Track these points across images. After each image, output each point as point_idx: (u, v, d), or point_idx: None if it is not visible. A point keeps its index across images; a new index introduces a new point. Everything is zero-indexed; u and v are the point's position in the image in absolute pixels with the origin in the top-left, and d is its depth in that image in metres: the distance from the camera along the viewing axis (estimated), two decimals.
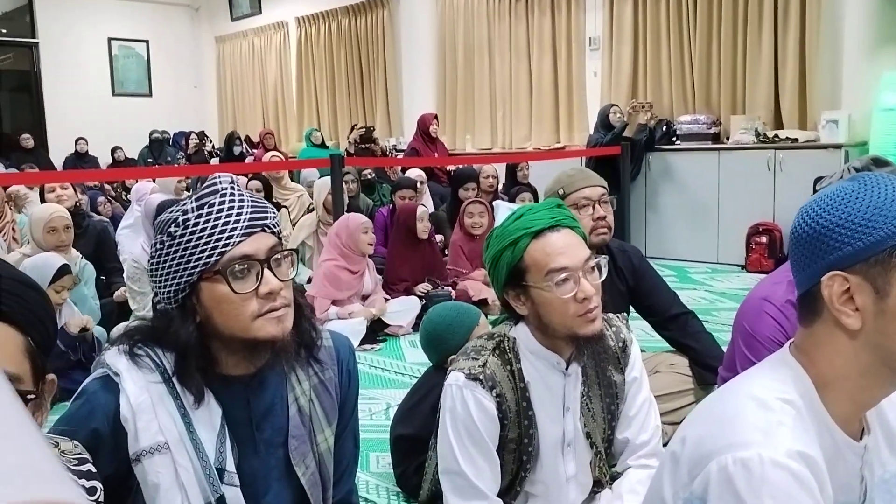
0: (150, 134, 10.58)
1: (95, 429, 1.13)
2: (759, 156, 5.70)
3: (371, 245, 4.21)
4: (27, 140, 9.63)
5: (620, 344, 1.70)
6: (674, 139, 6.31)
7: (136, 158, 10.20)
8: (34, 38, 10.43)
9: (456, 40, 8.28)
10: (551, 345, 1.59)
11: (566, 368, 1.61)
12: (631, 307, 2.64)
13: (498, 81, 7.98)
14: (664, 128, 6.33)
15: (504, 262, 1.56)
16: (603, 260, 1.58)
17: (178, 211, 1.17)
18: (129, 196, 6.37)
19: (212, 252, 1.13)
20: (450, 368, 1.65)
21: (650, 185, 6.37)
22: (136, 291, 3.91)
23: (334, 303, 4.13)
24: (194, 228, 1.14)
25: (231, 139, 9.98)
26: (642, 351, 1.87)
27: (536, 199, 5.07)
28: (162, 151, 10.22)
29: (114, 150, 10.03)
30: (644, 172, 6.36)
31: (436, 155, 6.94)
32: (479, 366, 1.59)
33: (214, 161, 9.53)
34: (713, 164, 6.00)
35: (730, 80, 6.18)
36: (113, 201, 6.81)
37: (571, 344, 1.57)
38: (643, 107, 6.34)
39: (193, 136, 10.33)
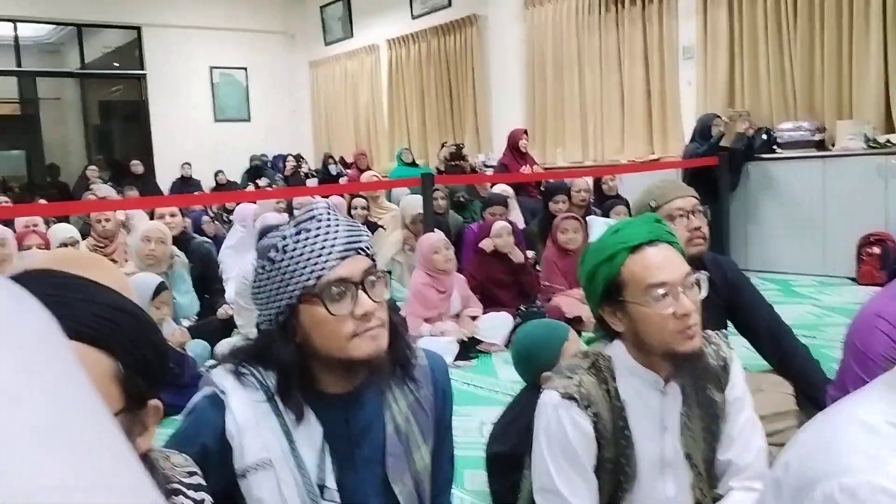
0: (251, 159, 11.00)
1: (204, 444, 1.19)
2: (869, 162, 5.42)
3: (448, 263, 4.21)
4: (137, 166, 10.16)
5: (721, 363, 1.64)
6: (774, 148, 6.08)
7: (237, 181, 10.61)
8: (142, 69, 11.02)
9: (545, 54, 8.25)
10: (648, 362, 1.56)
11: (664, 387, 1.57)
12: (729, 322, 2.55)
13: (588, 94, 7.90)
14: (764, 136, 6.11)
15: (601, 277, 1.53)
16: (703, 276, 1.53)
17: (277, 237, 1.22)
18: (230, 217, 6.62)
19: (309, 276, 1.18)
20: (544, 387, 1.63)
21: (750, 196, 6.15)
22: (243, 307, 4.04)
23: (427, 321, 4.16)
24: (293, 253, 1.19)
25: (326, 160, 10.27)
26: (745, 369, 1.80)
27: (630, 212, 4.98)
28: (261, 174, 10.60)
29: (216, 174, 10.47)
30: (744, 183, 6.16)
31: (526, 169, 6.92)
32: (573, 384, 1.56)
33: (311, 182, 9.81)
34: (818, 172, 5.75)
35: (835, 83, 5.90)
36: (216, 221, 7.08)
37: (669, 362, 1.53)
38: (741, 115, 6.15)
39: (290, 158, 10.67)
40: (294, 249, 1.19)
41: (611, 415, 1.56)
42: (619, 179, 6.24)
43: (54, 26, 11.09)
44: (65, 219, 5.86)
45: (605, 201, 5.84)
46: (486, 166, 8.26)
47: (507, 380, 3.65)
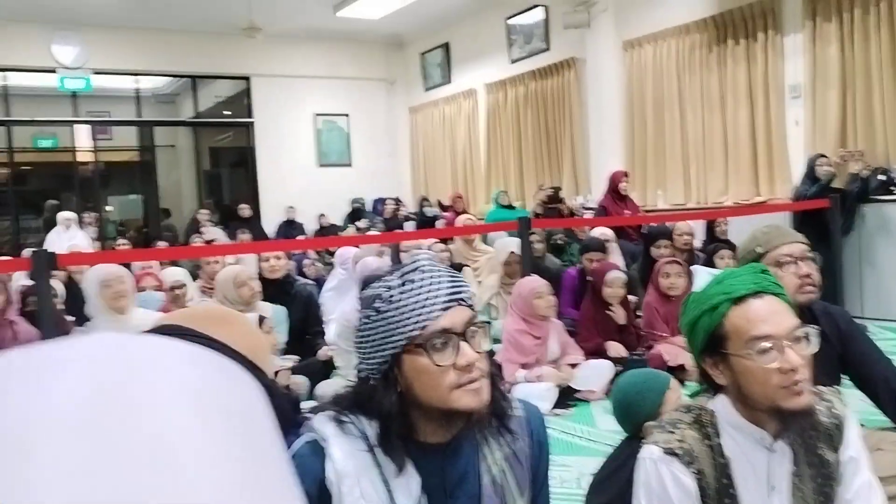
0: (351, 202, 11.29)
1: (305, 491, 1.21)
2: None
3: (550, 308, 4.15)
4: (244, 210, 10.60)
5: (834, 420, 1.55)
6: (892, 189, 5.78)
7: (338, 224, 10.91)
8: (250, 117, 11.55)
9: (645, 95, 8.17)
10: (754, 418, 1.49)
11: (771, 444, 1.50)
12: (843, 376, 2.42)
13: (690, 134, 7.75)
14: (880, 177, 5.82)
15: (702, 327, 1.49)
16: (813, 330, 1.46)
17: (382, 287, 1.24)
18: (332, 259, 6.79)
19: (414, 326, 1.19)
20: (644, 441, 1.59)
21: (865, 240, 5.85)
22: (344, 350, 4.11)
23: (524, 366, 4.11)
24: (398, 304, 1.21)
25: (422, 203, 10.44)
26: (862, 426, 1.70)
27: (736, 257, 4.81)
28: (361, 216, 10.87)
29: (319, 217, 10.79)
30: (858, 226, 5.86)
31: (626, 213, 6.82)
32: (675, 440, 1.51)
33: (409, 225, 9.98)
34: None
35: None
36: (317, 264, 7.28)
37: (776, 418, 1.46)
38: (853, 155, 5.88)
39: (390, 201, 10.89)
40: (399, 300, 1.21)
41: (714, 472, 1.49)
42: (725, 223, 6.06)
43: (171, 78, 11.80)
44: (176, 262, 6.16)
45: (708, 245, 5.68)
46: (585, 209, 8.19)
47: (606, 430, 3.56)
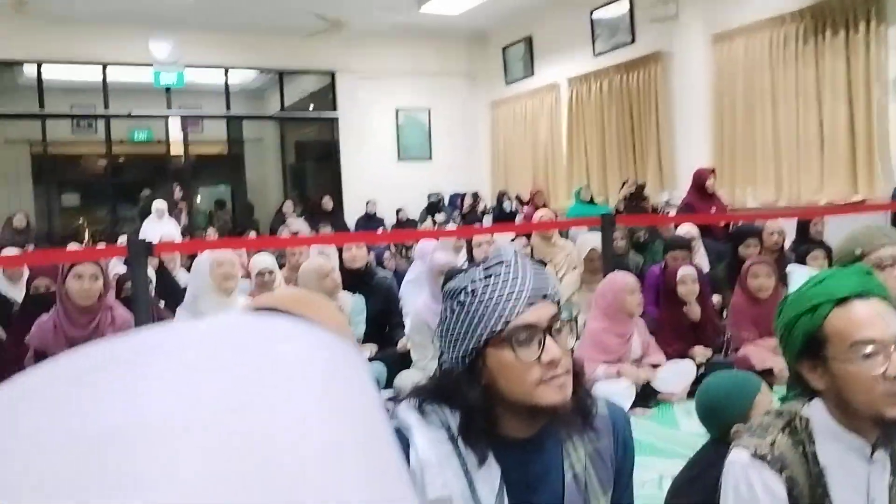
0: (429, 196, 11.36)
1: None
2: None
3: (639, 306, 4.07)
4: (327, 202, 10.80)
5: None
6: None
7: (416, 218, 10.99)
8: (335, 112, 11.74)
9: (734, 90, 7.92)
10: (853, 426, 1.42)
11: (871, 454, 1.43)
12: None
13: (783, 130, 7.47)
14: None
15: (800, 329, 1.43)
16: None
17: (467, 280, 1.23)
18: (411, 252, 6.84)
19: (498, 320, 1.18)
20: (733, 444, 1.53)
21: None
22: (418, 343, 4.14)
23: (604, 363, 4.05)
24: (482, 298, 1.20)
25: (501, 198, 10.40)
26: None
27: (830, 259, 4.61)
28: (438, 210, 10.91)
29: (398, 211, 10.90)
30: None
31: (713, 210, 6.63)
32: (766, 444, 1.46)
33: (487, 219, 9.97)
34: None
35: None
36: (396, 257, 7.35)
37: (877, 427, 1.39)
38: None
39: (468, 196, 10.90)
40: (483, 293, 1.20)
41: (808, 480, 1.43)
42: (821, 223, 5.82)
43: (259, 73, 12.11)
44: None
45: (799, 246, 5.46)
46: (669, 206, 8.01)
47: (688, 432, 3.47)
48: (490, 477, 1.22)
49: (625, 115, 9.53)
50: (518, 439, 1.25)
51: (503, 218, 9.73)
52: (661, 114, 8.90)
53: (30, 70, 10.46)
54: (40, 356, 3.25)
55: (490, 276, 1.22)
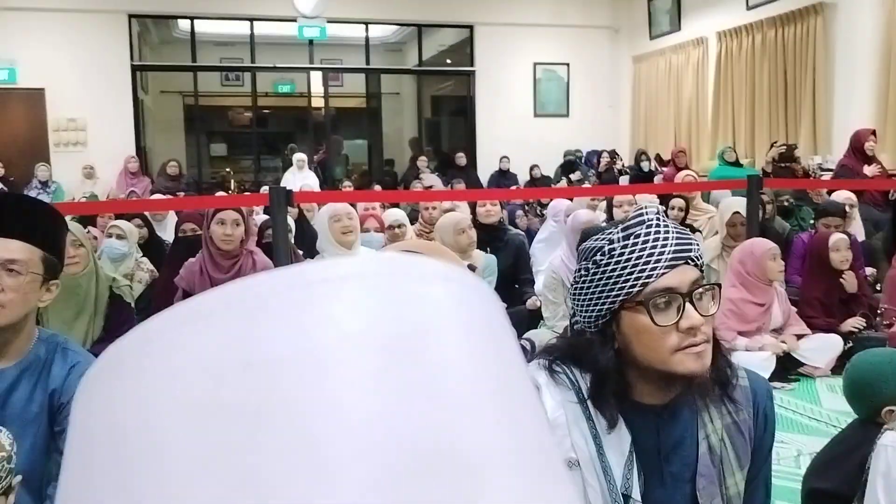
0: (565, 154, 11.14)
1: None
2: None
3: (780, 273, 3.85)
4: (460, 158, 10.83)
5: None
6: None
7: (550, 176, 10.83)
8: (472, 66, 11.69)
9: None
10: None
11: None
12: None
13: None
14: None
15: None
16: None
17: (604, 240, 1.19)
18: (544, 211, 6.76)
19: (635, 282, 1.14)
20: (885, 426, 1.42)
21: None
22: (550, 301, 4.10)
23: (741, 333, 3.86)
24: (619, 258, 1.15)
25: (639, 157, 10.06)
26: None
27: None
28: (574, 169, 10.70)
29: (531, 168, 10.78)
30: None
31: (870, 171, 6.14)
32: None
33: (624, 179, 9.69)
34: None
35: None
36: (529, 215, 7.29)
37: None
38: None
39: (605, 154, 10.62)
40: (621, 254, 1.16)
41: None
42: None
43: (398, 27, 12.20)
44: (396, 205, 6.44)
45: None
46: (823, 170, 7.48)
47: (831, 409, 3.28)
48: (620, 442, 1.19)
49: (777, 72, 8.92)
50: (651, 406, 1.22)
51: (641, 178, 9.42)
52: (819, 71, 8.26)
53: (184, 24, 11.01)
54: (188, 296, 3.45)
55: (629, 235, 1.17)
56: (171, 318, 0.28)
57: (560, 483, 0.29)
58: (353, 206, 4.27)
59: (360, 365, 0.26)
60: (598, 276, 1.17)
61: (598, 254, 1.18)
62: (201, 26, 10.94)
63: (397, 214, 4.69)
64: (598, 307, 1.18)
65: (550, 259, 4.56)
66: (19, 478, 1.46)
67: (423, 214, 5.16)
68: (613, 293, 1.15)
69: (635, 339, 1.16)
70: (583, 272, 1.21)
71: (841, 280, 4.10)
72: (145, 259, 4.47)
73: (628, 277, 1.14)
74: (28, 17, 9.60)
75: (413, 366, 0.27)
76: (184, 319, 0.27)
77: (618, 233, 1.18)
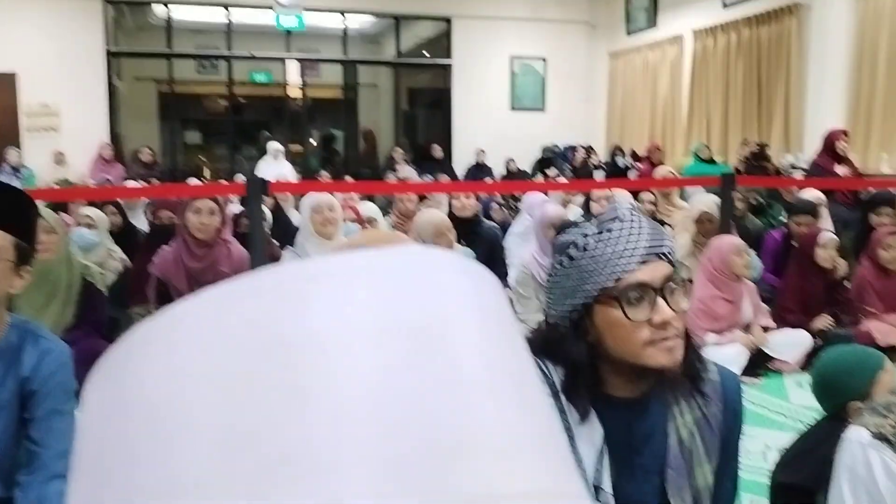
0: (542, 149, 11.19)
1: None
2: None
3: (746, 269, 3.90)
4: (436, 150, 10.83)
5: None
6: None
7: (527, 170, 10.86)
8: (449, 59, 11.68)
9: (877, 47, 7.35)
10: None
11: None
12: None
13: None
14: None
15: None
16: None
17: (578, 234, 1.20)
18: (518, 204, 6.78)
19: (609, 277, 1.15)
20: (851, 421, 1.45)
21: None
22: (522, 295, 4.12)
23: (712, 331, 3.91)
24: (594, 253, 1.17)
25: (614, 152, 10.13)
26: None
27: None
28: (551, 164, 10.74)
29: (507, 162, 10.81)
30: None
31: (841, 170, 6.23)
32: (889, 424, 1.38)
33: (599, 174, 9.75)
34: None
35: None
36: (504, 209, 7.31)
37: None
38: None
39: (580, 149, 10.67)
40: (595, 248, 1.17)
41: None
42: None
43: (376, 19, 12.15)
44: (371, 197, 6.44)
45: None
46: (794, 168, 7.59)
47: (799, 404, 3.34)
48: (592, 435, 1.20)
49: (752, 70, 9.03)
50: (623, 399, 1.23)
51: (616, 174, 9.50)
52: (793, 71, 8.37)
53: (160, 10, 10.88)
54: (162, 285, 3.43)
55: (603, 231, 1.18)
56: (200, 302, 0.29)
57: (573, 466, 0.30)
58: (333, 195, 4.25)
59: (376, 348, 0.27)
60: (572, 271, 1.18)
61: (573, 248, 1.19)
62: (177, 13, 10.81)
63: (370, 209, 4.68)
64: (571, 301, 1.19)
65: (519, 254, 4.58)
66: None
67: (399, 206, 5.15)
68: (587, 287, 1.16)
69: (608, 333, 1.17)
70: (557, 266, 1.22)
71: (830, 272, 4.15)
72: (117, 248, 4.42)
73: (602, 271, 1.15)
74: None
75: (432, 352, 0.28)
76: (211, 302, 0.29)
77: (592, 227, 1.20)
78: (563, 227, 1.29)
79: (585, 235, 1.19)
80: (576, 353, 1.19)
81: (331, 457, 0.25)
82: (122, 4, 10.74)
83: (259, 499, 0.25)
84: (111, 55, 10.30)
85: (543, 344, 1.25)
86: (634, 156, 10.15)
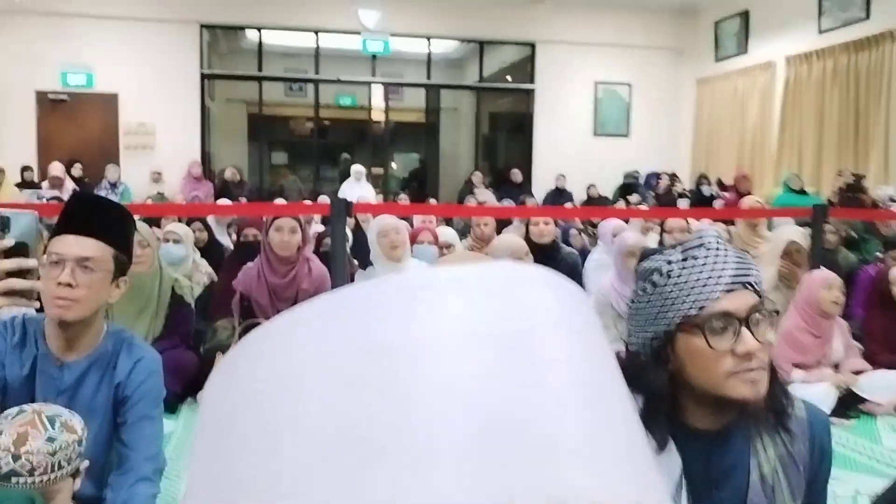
0: (624, 175, 11.05)
1: None
2: None
3: (834, 305, 3.71)
4: (516, 175, 10.83)
5: None
6: None
7: (608, 196, 10.74)
8: (532, 84, 11.70)
9: None
10: None
11: None
12: None
13: None
14: None
15: None
16: None
17: (662, 261, 1.18)
18: (597, 230, 6.70)
19: (692, 305, 1.13)
20: None
21: None
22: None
23: (800, 366, 3.76)
24: (677, 280, 1.15)
25: (700, 181, 9.91)
26: None
27: None
28: (633, 190, 10.59)
29: (588, 187, 10.71)
30: None
31: None
32: None
33: (683, 203, 9.56)
34: None
35: None
36: (583, 235, 7.24)
37: None
38: None
39: (664, 176, 10.49)
40: (679, 276, 1.15)
41: None
42: None
43: (460, 43, 12.29)
44: (450, 221, 6.48)
45: None
46: (893, 201, 7.26)
47: (892, 449, 3.17)
48: (670, 466, 1.17)
49: (849, 98, 8.71)
50: (703, 431, 1.20)
51: (701, 202, 9.28)
52: (893, 99, 8.04)
53: (252, 35, 11.29)
54: (245, 299, 3.53)
55: (688, 258, 1.16)
56: (310, 310, 0.32)
57: (656, 478, 0.32)
58: (407, 219, 4.29)
59: (470, 356, 0.30)
60: (655, 298, 1.17)
61: (656, 274, 1.17)
62: (268, 37, 11.20)
63: (448, 234, 4.71)
64: (653, 328, 1.17)
65: (596, 281, 4.51)
66: (86, 463, 1.52)
67: (475, 230, 5.17)
68: (670, 314, 1.15)
69: (690, 362, 1.14)
70: (640, 292, 1.20)
71: None
72: (203, 261, 4.57)
73: (686, 299, 1.13)
74: (105, 26, 9.97)
75: (518, 360, 0.30)
76: (321, 311, 0.32)
77: (677, 254, 1.18)
78: (646, 254, 1.27)
79: (670, 262, 1.17)
80: (656, 381, 1.16)
81: (427, 454, 0.27)
82: (216, 29, 11.19)
83: (360, 490, 0.27)
84: (205, 77, 10.73)
85: (623, 371, 1.22)
86: (721, 185, 9.90)
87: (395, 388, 0.29)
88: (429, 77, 11.79)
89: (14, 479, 1.38)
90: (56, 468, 1.42)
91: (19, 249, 1.26)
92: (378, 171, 11.90)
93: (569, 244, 6.27)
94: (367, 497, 0.27)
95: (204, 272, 4.46)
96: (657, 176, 10.80)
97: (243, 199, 8.93)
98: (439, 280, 0.32)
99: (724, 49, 11.08)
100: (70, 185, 8.26)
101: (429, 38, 11.48)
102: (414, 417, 0.28)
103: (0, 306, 1.28)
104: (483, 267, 0.33)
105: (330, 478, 0.28)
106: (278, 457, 0.29)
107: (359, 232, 5.60)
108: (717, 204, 8.87)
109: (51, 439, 1.42)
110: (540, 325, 0.31)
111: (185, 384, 3.35)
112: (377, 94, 12.09)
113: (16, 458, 1.38)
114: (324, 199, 6.85)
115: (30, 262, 1.27)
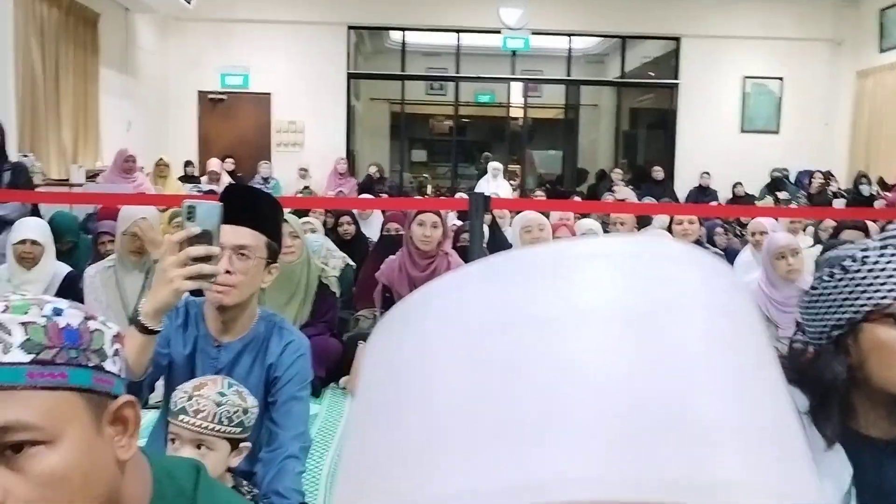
0: (771, 172, 10.51)
1: None
2: None
3: None
4: (657, 172, 10.52)
5: None
6: None
7: (754, 194, 10.25)
8: (676, 79, 11.33)
9: None
10: None
11: None
12: None
13: None
14: None
15: None
16: None
17: (856, 248, 1.11)
18: (744, 230, 6.41)
19: (886, 293, 1.06)
20: None
21: None
22: None
23: None
24: (873, 266, 1.08)
25: (859, 180, 9.27)
26: None
27: None
28: (781, 188, 10.06)
29: (734, 185, 10.26)
30: None
31: None
32: None
33: (838, 202, 8.98)
34: None
35: None
36: (728, 234, 6.94)
37: None
38: None
39: (818, 174, 9.89)
40: (876, 263, 1.08)
41: None
42: None
43: (601, 39, 12.07)
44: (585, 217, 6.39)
45: None
46: None
47: None
48: (839, 471, 1.10)
49: None
50: (875, 439, 1.12)
51: (859, 203, 8.68)
52: None
53: (396, 35, 11.57)
54: (387, 290, 3.63)
55: (888, 246, 1.08)
56: (444, 285, 0.33)
57: (805, 466, 0.30)
58: (546, 215, 4.29)
59: (607, 332, 0.29)
60: (843, 283, 1.10)
61: (849, 260, 1.10)
62: (411, 37, 11.45)
63: (590, 225, 4.65)
64: (837, 315, 1.10)
65: (748, 283, 4.32)
66: (248, 445, 1.62)
67: (612, 229, 5.07)
68: (859, 302, 1.08)
69: (874, 356, 1.07)
70: (825, 278, 1.13)
71: None
72: (334, 247, 4.79)
73: (880, 287, 1.06)
74: (260, 29, 10.54)
75: (655, 338, 0.29)
76: (454, 285, 0.32)
77: (875, 242, 1.11)
78: (829, 245, 1.20)
79: (865, 249, 1.10)
80: (833, 372, 1.10)
81: (555, 433, 0.27)
82: (362, 31, 11.56)
83: (492, 457, 0.28)
84: (351, 77, 11.12)
85: (788, 364, 1.16)
86: (882, 184, 9.22)
87: (527, 360, 0.29)
88: (569, 73, 11.67)
89: (181, 417, 1.53)
90: (217, 420, 1.53)
91: (204, 237, 1.39)
92: (515, 167, 11.91)
93: (713, 244, 6.04)
94: (534, 468, 0.27)
95: (338, 256, 4.65)
96: (810, 174, 10.20)
97: (385, 195, 9.18)
98: (574, 253, 0.32)
99: (891, 38, 10.28)
100: (226, 180, 8.78)
101: (570, 35, 11.35)
102: (542, 392, 0.28)
103: (187, 289, 1.40)
104: (622, 241, 0.32)
105: (466, 443, 0.28)
106: (423, 419, 0.30)
107: (495, 228, 5.63)
108: (878, 204, 8.28)
109: (222, 394, 1.56)
110: (674, 301, 0.30)
111: (329, 370, 3.50)
112: (516, 90, 12.09)
113: (189, 398, 1.54)
114: (462, 195, 6.93)
115: (214, 249, 1.39)
